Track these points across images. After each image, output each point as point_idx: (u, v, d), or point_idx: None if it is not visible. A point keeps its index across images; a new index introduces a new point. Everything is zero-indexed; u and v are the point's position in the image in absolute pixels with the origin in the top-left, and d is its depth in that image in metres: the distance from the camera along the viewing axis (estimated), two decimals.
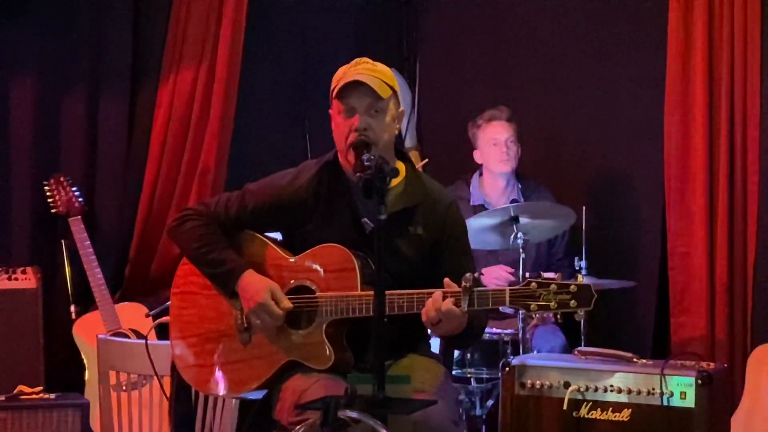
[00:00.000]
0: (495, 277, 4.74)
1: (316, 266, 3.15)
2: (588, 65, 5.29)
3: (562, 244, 4.96)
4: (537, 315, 4.57)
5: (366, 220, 3.09)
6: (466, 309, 2.93)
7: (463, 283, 2.93)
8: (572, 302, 2.92)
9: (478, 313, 3.06)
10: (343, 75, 3.17)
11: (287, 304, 3.14)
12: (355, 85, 3.13)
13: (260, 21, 5.28)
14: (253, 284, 3.15)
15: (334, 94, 3.17)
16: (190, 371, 3.26)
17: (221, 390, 3.26)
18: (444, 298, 2.94)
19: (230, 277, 3.18)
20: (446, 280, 2.98)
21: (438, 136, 5.68)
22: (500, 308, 4.34)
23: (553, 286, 2.93)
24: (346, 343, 3.14)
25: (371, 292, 2.89)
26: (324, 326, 3.10)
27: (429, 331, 3.45)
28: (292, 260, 3.20)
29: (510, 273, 4.74)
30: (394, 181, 3.13)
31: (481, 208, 4.86)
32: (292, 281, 3.18)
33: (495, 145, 4.91)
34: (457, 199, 3.47)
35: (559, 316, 2.93)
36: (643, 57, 5.07)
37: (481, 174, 5.05)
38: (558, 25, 5.37)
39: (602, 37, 5.24)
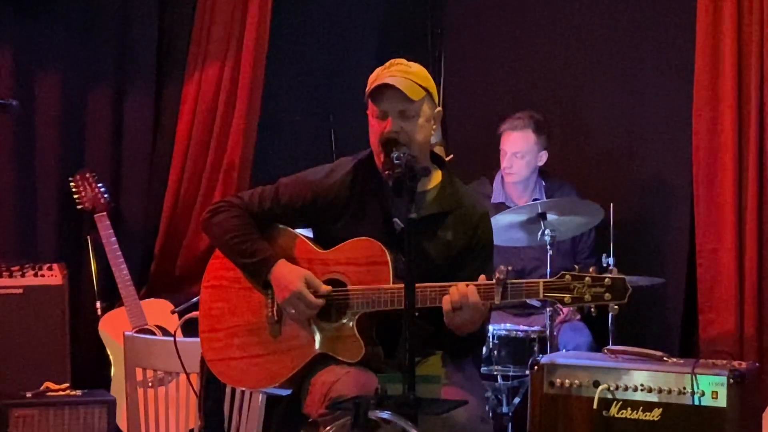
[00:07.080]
0: None
1: (348, 259, 3.13)
2: (617, 60, 5.25)
3: (588, 242, 4.92)
4: (570, 309, 4.54)
5: (397, 220, 3.07)
6: (499, 301, 2.93)
7: (497, 275, 2.94)
8: (606, 295, 2.91)
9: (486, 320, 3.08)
10: (377, 77, 3.15)
11: (325, 289, 3.11)
12: (387, 88, 3.11)
13: (285, 16, 5.27)
14: (288, 274, 3.13)
15: (367, 97, 3.16)
16: (219, 365, 3.25)
17: (250, 383, 3.26)
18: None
19: (263, 266, 3.16)
20: (482, 276, 2.97)
21: (463, 132, 5.64)
22: (527, 301, 4.34)
23: (587, 279, 2.92)
24: (376, 339, 3.12)
25: (403, 285, 2.86)
26: (355, 319, 3.08)
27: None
28: (323, 253, 3.18)
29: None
30: (429, 185, 3.16)
31: (502, 206, 4.82)
32: (323, 274, 3.16)
33: (503, 156, 4.90)
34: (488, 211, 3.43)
35: (593, 310, 2.90)
36: (671, 52, 5.03)
37: None
38: (586, 19, 5.32)
39: (631, 32, 5.20)
